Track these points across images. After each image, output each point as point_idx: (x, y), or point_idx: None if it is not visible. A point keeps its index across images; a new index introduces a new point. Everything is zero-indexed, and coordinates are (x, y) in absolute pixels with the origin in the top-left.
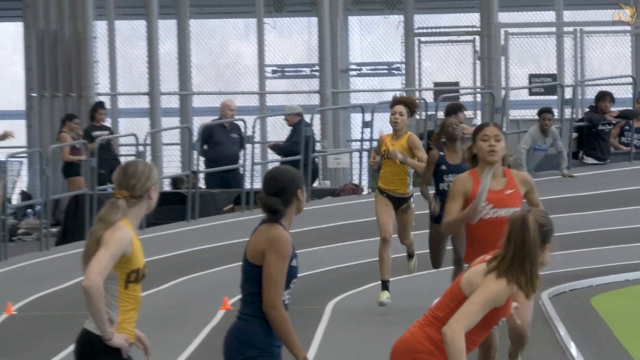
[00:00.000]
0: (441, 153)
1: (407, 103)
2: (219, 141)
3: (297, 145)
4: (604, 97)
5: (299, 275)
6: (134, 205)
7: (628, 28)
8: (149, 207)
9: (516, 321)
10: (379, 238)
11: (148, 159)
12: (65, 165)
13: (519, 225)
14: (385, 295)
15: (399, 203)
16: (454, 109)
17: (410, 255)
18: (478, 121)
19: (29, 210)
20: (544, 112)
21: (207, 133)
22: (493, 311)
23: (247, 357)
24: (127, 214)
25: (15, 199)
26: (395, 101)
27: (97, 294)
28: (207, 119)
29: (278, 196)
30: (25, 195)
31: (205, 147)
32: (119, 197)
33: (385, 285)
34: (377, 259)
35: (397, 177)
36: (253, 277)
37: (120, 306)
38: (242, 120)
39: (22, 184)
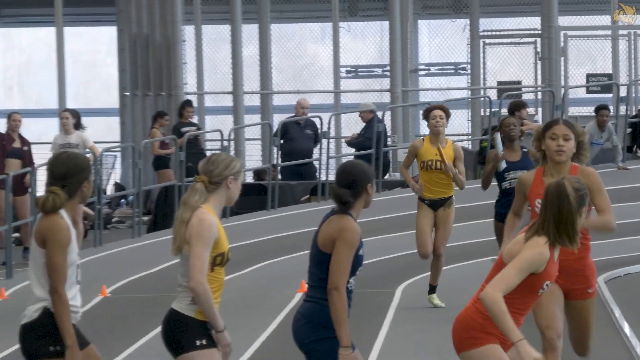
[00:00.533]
0: (501, 152)
1: (444, 109)
2: (293, 137)
3: (369, 140)
4: None
5: (368, 261)
6: (213, 192)
7: None
8: (228, 197)
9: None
10: None
11: (232, 153)
12: (155, 159)
13: (555, 192)
14: (436, 299)
15: (441, 204)
16: (517, 106)
17: (432, 289)
18: (539, 118)
19: (122, 201)
20: (601, 109)
21: (283, 129)
22: (534, 277)
23: (317, 338)
24: (207, 200)
25: (109, 190)
26: (430, 108)
27: (204, 292)
28: (286, 116)
29: (349, 188)
30: (118, 187)
31: (282, 142)
32: (198, 182)
33: (433, 289)
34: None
35: (444, 181)
36: (322, 263)
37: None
38: (319, 117)
39: (116, 176)
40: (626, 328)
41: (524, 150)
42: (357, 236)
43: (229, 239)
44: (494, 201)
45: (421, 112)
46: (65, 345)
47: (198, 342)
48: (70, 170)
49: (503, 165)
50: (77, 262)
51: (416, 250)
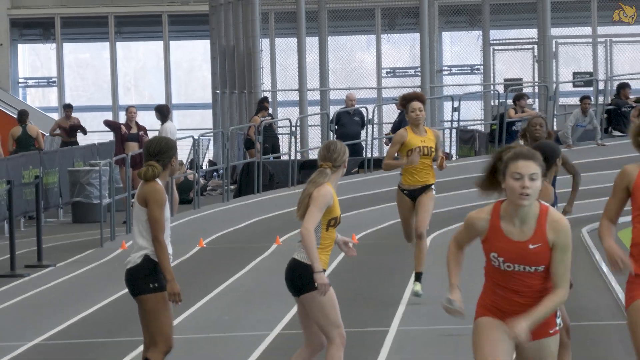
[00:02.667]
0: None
1: (419, 98)
2: (345, 123)
3: (404, 122)
4: (624, 87)
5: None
6: (334, 173)
7: None
8: (342, 174)
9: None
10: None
11: (298, 136)
12: (246, 141)
13: None
14: (418, 286)
15: (422, 191)
16: (518, 97)
17: (418, 277)
18: (536, 106)
19: (215, 174)
20: (584, 98)
21: (337, 117)
22: (482, 244)
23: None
24: (330, 179)
25: (204, 165)
26: (411, 97)
27: (308, 236)
28: (339, 108)
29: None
30: (211, 163)
31: (336, 127)
32: (325, 167)
33: (418, 277)
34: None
35: (427, 167)
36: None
37: (321, 243)
38: (365, 107)
39: (210, 154)
40: (604, 267)
41: None
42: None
43: (294, 204)
44: None
45: (444, 102)
46: (166, 280)
47: (316, 284)
48: (162, 148)
49: None
50: (169, 219)
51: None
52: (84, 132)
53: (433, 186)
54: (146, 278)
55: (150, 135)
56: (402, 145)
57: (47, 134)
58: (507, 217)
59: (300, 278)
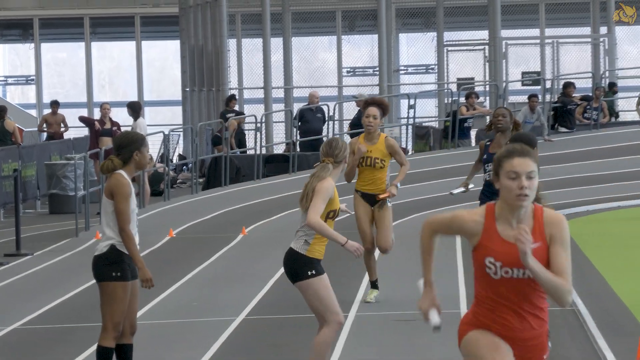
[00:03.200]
0: (487, 143)
1: (380, 104)
2: (308, 120)
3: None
4: (569, 85)
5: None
6: (335, 168)
7: (589, 40)
8: (342, 169)
9: None
10: None
11: (263, 132)
12: (214, 137)
13: None
14: (373, 294)
15: (375, 201)
16: (469, 95)
17: (373, 284)
18: (487, 104)
19: (184, 167)
20: (532, 96)
21: (300, 114)
22: (474, 252)
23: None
24: (331, 173)
25: (175, 159)
26: (368, 102)
27: (320, 225)
28: (302, 105)
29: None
30: (181, 157)
31: (299, 123)
32: (328, 162)
33: (374, 284)
34: None
35: (375, 181)
36: None
37: (316, 235)
38: (327, 105)
39: (180, 149)
40: None
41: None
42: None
43: (263, 194)
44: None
45: (401, 100)
46: (137, 268)
47: (309, 272)
48: (124, 143)
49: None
50: (135, 210)
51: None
52: (66, 128)
53: (388, 200)
54: (110, 266)
55: (124, 130)
56: (352, 152)
57: (26, 130)
58: (503, 219)
59: (294, 266)
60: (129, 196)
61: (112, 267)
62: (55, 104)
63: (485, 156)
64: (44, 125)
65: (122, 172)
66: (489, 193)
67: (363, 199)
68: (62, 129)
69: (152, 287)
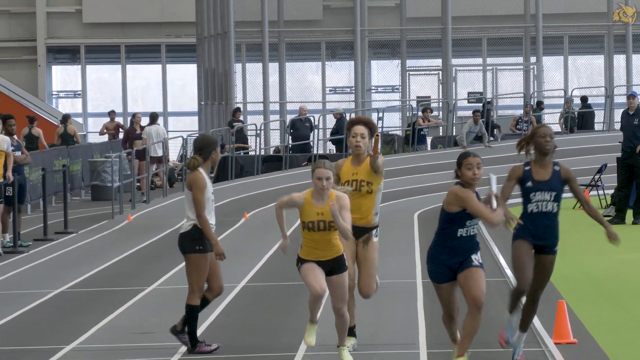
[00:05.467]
0: (526, 167)
1: (368, 124)
2: (297, 128)
3: (341, 131)
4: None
5: None
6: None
7: (521, 67)
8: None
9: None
10: None
11: (262, 137)
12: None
13: None
14: (351, 342)
15: (360, 234)
16: (425, 110)
17: (350, 331)
18: (440, 117)
19: None
20: (475, 111)
21: (292, 123)
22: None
23: None
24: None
25: None
26: (354, 121)
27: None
28: (294, 116)
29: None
30: None
31: (291, 130)
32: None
33: (351, 331)
34: None
35: (362, 206)
36: None
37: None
38: (313, 116)
39: None
40: (493, 246)
41: (556, 168)
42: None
43: (262, 187)
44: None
45: (373, 114)
46: (211, 244)
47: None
48: (204, 144)
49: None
50: (211, 198)
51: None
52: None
53: (375, 231)
54: (194, 241)
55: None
56: (337, 175)
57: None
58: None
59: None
60: (205, 188)
61: (195, 242)
62: (112, 113)
63: (529, 184)
64: (105, 130)
65: (200, 168)
66: (527, 227)
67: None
68: (120, 132)
69: (224, 259)
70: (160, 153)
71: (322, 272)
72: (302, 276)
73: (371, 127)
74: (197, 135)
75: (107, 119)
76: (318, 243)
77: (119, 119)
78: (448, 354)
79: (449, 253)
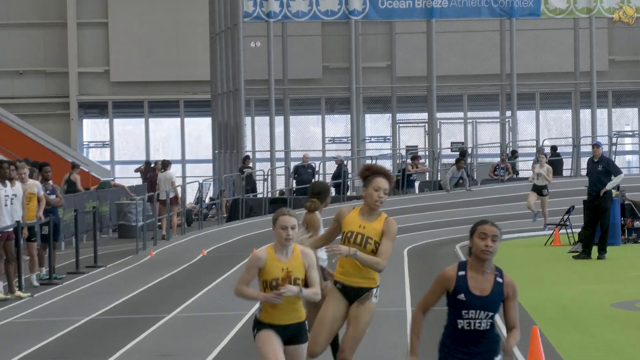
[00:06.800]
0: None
1: (389, 177)
2: (300, 173)
3: (341, 174)
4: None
5: None
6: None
7: (498, 120)
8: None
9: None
10: None
11: (269, 182)
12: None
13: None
14: None
15: (358, 295)
16: (414, 157)
17: None
18: (427, 164)
19: (213, 206)
20: (459, 160)
21: (295, 169)
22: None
23: None
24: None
25: (207, 200)
26: (374, 171)
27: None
28: (297, 163)
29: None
30: (211, 199)
31: (295, 175)
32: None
33: None
34: None
35: (362, 268)
36: None
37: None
38: (314, 163)
39: (210, 193)
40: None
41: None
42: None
43: (269, 226)
44: None
45: (367, 160)
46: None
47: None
48: (322, 190)
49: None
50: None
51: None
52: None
53: (375, 291)
54: None
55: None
56: (338, 222)
57: (102, 179)
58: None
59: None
60: (320, 228)
61: None
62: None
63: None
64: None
65: (317, 211)
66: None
67: (342, 293)
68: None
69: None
70: (163, 197)
71: (280, 344)
72: (258, 346)
73: (391, 182)
74: (315, 181)
75: (133, 166)
76: (280, 306)
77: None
78: None
79: (462, 352)
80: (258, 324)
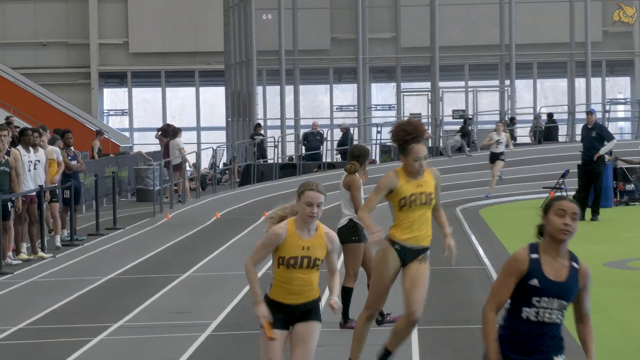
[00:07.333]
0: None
1: (423, 136)
2: (310, 140)
3: (347, 142)
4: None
5: None
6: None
7: (497, 88)
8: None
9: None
10: None
11: (279, 148)
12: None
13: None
14: None
15: (415, 255)
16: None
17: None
18: (429, 131)
19: (226, 171)
20: (463, 128)
21: (305, 136)
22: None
23: None
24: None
25: (221, 165)
26: (415, 133)
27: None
28: (307, 130)
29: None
30: (224, 165)
31: (305, 142)
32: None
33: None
34: None
35: (425, 223)
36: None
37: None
38: (323, 130)
39: (224, 159)
40: (473, 238)
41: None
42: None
43: (279, 190)
44: None
45: (372, 128)
46: (364, 236)
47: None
48: (362, 153)
49: None
50: (363, 195)
51: None
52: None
53: (429, 252)
54: (350, 233)
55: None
56: (390, 192)
57: (122, 145)
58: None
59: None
60: (360, 188)
61: (352, 233)
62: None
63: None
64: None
65: (357, 173)
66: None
67: (399, 254)
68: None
69: (382, 246)
70: (176, 162)
71: (283, 344)
72: (261, 343)
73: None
74: (355, 144)
75: (151, 133)
76: (295, 283)
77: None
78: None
79: (521, 350)
80: (269, 305)
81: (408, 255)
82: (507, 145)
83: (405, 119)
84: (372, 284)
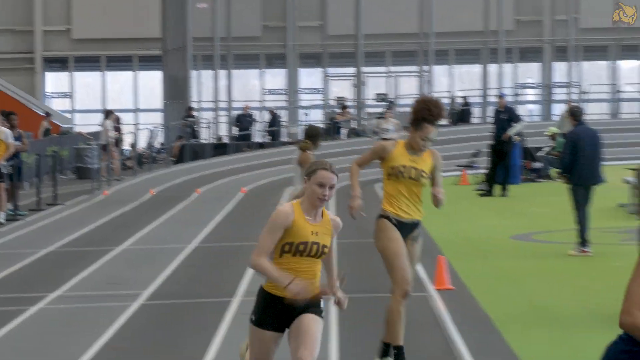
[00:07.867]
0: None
1: (442, 115)
2: (241, 121)
3: (276, 124)
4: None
5: None
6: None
7: (417, 74)
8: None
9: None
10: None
11: (212, 129)
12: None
13: None
14: None
15: (410, 230)
16: (342, 107)
17: (385, 351)
18: (355, 113)
19: (162, 150)
20: (387, 110)
21: (236, 118)
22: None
23: None
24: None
25: (156, 145)
26: (440, 115)
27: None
28: (238, 112)
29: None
30: (161, 145)
31: (237, 123)
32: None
33: (390, 351)
34: None
35: (414, 197)
36: None
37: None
38: (253, 112)
39: (160, 139)
40: None
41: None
42: None
43: (212, 168)
44: None
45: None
46: None
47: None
48: (313, 133)
49: None
50: None
51: None
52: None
53: (419, 227)
54: None
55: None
56: (383, 159)
57: (63, 126)
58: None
59: None
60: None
61: None
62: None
63: None
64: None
65: (308, 150)
66: None
67: (396, 227)
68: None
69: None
70: (103, 142)
71: (277, 343)
72: (251, 341)
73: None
74: (310, 125)
75: (92, 115)
76: (298, 273)
77: (99, 114)
78: None
79: None
80: (263, 299)
81: (401, 228)
82: (397, 131)
83: (433, 97)
84: (389, 260)
